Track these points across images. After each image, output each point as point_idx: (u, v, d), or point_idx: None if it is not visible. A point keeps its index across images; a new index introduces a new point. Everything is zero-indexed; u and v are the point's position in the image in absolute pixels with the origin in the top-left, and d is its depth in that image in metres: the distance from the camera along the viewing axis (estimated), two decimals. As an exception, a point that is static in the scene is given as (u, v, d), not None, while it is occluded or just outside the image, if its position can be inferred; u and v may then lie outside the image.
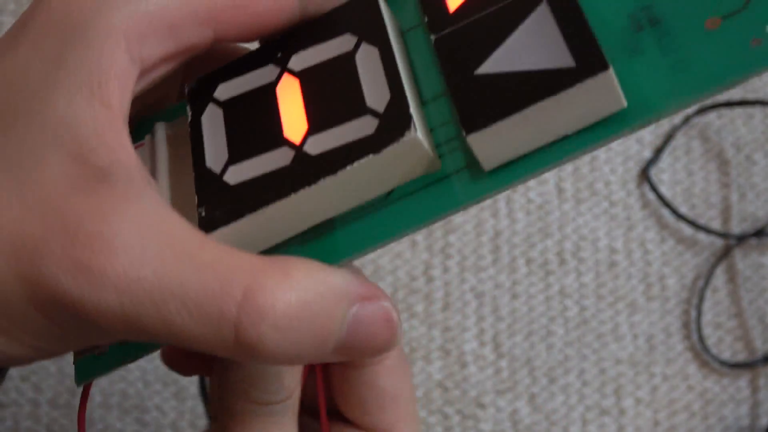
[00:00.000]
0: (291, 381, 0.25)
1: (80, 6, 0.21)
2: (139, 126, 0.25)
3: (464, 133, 0.20)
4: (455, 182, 0.21)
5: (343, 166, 0.21)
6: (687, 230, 0.46)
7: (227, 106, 0.23)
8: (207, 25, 0.22)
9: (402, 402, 0.28)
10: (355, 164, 0.21)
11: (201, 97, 0.23)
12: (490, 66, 0.20)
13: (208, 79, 0.24)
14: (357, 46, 0.22)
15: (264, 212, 0.21)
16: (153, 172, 0.24)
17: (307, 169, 0.21)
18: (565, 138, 0.20)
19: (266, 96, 0.23)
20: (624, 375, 0.45)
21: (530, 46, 0.20)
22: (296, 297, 0.20)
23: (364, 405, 0.28)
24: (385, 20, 0.22)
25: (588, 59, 0.19)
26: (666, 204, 0.46)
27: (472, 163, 0.21)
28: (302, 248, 0.22)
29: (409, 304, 0.45)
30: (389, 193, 0.22)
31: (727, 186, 0.46)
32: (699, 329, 0.44)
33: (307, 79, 0.22)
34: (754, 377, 0.44)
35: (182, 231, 0.20)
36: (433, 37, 0.21)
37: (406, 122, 0.20)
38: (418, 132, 0.20)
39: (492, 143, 0.20)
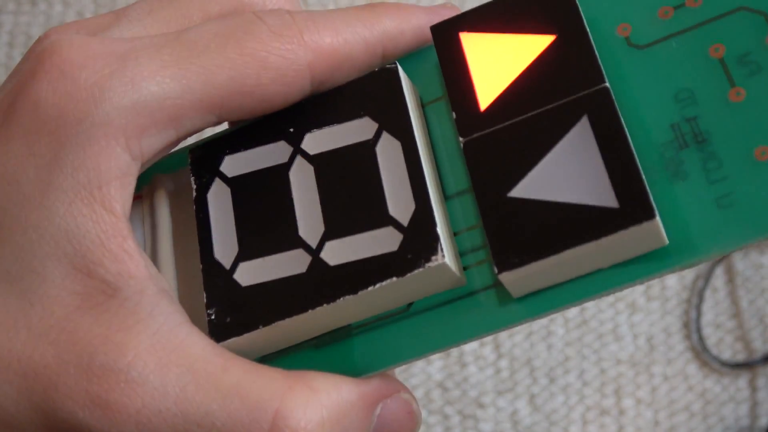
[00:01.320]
0: None
1: (74, 100, 0.20)
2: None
3: (496, 270, 0.18)
4: (481, 302, 0.20)
5: (365, 286, 0.20)
6: (687, 230, 0.46)
7: (235, 184, 0.22)
8: (211, 112, 0.21)
9: None
10: (378, 286, 0.20)
11: (206, 167, 0.22)
12: (524, 190, 0.19)
13: (212, 145, 0.22)
14: (378, 135, 0.21)
15: (279, 325, 0.20)
16: (154, 233, 0.23)
17: (325, 283, 0.20)
18: (599, 271, 0.19)
19: (278, 180, 0.21)
20: (624, 375, 0.45)
21: (569, 171, 0.18)
22: (327, 415, 0.20)
23: None
24: (407, 104, 0.21)
25: (634, 203, 0.17)
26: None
27: (499, 283, 0.20)
28: (318, 352, 0.21)
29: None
30: (410, 303, 0.21)
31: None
32: (699, 329, 0.44)
33: (323, 167, 0.21)
34: (753, 377, 0.44)
35: (201, 351, 0.20)
36: (462, 140, 0.20)
37: (433, 244, 0.19)
38: (446, 257, 0.19)
39: (524, 279, 0.18)
